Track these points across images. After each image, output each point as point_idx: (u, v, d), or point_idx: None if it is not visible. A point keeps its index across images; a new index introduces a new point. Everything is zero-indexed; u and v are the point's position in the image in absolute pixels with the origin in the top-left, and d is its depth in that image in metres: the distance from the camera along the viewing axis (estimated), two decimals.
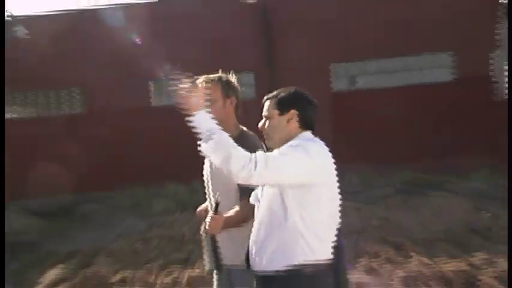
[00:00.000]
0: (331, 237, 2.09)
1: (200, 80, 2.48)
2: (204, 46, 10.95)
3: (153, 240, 6.60)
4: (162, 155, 11.06)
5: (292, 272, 1.98)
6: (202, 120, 1.97)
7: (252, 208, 2.21)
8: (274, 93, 2.20)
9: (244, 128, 2.52)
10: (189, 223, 6.73)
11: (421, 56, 11.29)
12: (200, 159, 2.68)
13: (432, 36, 10.58)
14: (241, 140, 2.43)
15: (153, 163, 10.99)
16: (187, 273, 5.08)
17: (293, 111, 2.12)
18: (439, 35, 10.52)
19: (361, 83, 11.86)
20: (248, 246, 2.17)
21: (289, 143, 2.05)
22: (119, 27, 11.44)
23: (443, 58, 11.19)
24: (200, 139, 1.97)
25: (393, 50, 11.06)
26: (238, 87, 2.53)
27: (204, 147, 1.96)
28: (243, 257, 2.19)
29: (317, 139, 2.15)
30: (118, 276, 5.28)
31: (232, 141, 1.93)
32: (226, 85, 2.48)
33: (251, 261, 2.13)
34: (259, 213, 2.12)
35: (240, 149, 1.91)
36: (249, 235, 2.16)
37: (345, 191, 2.15)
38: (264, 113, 2.19)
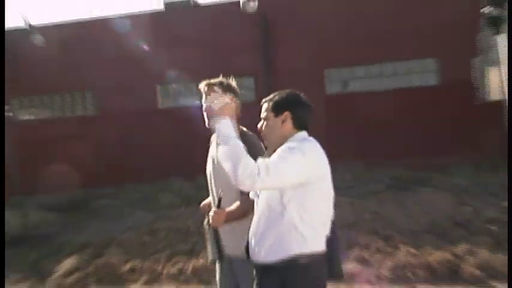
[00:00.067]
0: (325, 230, 2.08)
1: (203, 85, 2.47)
2: (208, 53, 10.96)
3: (160, 232, 6.59)
4: (168, 153, 11.06)
5: (288, 262, 1.98)
6: (225, 127, 2.00)
7: (251, 203, 2.21)
8: (271, 96, 2.20)
9: (244, 129, 2.51)
10: (193, 217, 6.72)
11: (408, 62, 11.31)
12: (203, 158, 2.67)
13: (418, 44, 10.59)
14: (241, 139, 2.42)
15: (160, 161, 11.00)
16: (192, 263, 5.09)
17: (286, 113, 2.12)
18: (424, 43, 10.53)
19: (353, 86, 11.86)
20: (248, 238, 2.16)
21: (287, 144, 2.03)
22: (128, 35, 11.45)
23: (428, 64, 11.20)
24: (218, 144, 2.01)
25: (382, 56, 11.07)
26: (238, 91, 2.52)
27: (219, 151, 1.97)
28: (244, 248, 2.18)
29: (311, 138, 2.14)
30: (128, 266, 5.29)
31: (244, 151, 1.92)
32: (226, 88, 2.46)
33: (250, 253, 2.13)
34: (258, 208, 2.11)
35: (250, 159, 1.89)
36: (249, 228, 2.16)
37: (339, 186, 2.15)
38: (262, 115, 2.20)
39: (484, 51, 10.30)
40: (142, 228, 6.99)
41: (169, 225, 6.90)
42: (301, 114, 2.15)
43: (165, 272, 5.07)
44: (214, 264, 2.62)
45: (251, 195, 2.23)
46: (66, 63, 11.72)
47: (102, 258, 5.60)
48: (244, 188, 1.94)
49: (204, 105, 2.45)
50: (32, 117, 13.49)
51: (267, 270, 2.03)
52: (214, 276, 2.64)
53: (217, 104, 2.03)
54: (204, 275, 4.75)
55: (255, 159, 1.93)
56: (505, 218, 5.64)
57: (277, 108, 2.13)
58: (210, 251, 2.51)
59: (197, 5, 12.92)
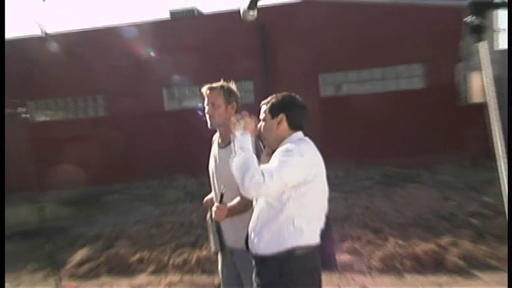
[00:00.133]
0: (320, 224, 2.09)
1: (205, 88, 2.47)
2: (210, 58, 10.95)
3: (166, 225, 6.59)
4: (173, 152, 11.06)
5: (285, 254, 1.98)
6: (243, 140, 1.99)
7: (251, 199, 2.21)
8: (268, 99, 2.20)
9: None
10: (197, 211, 6.72)
11: (396, 67, 11.30)
12: (206, 156, 2.67)
13: (406, 50, 10.59)
14: None
15: (166, 159, 11.00)
16: (195, 254, 5.08)
17: (282, 115, 2.11)
18: (411, 50, 10.53)
19: (346, 90, 11.85)
20: (247, 231, 2.16)
21: (284, 147, 2.03)
22: (136, 42, 11.44)
23: (415, 69, 11.20)
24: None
25: (372, 61, 11.06)
26: (238, 94, 2.52)
27: (234, 159, 1.97)
28: (243, 241, 2.18)
29: (306, 138, 2.14)
30: (136, 257, 5.29)
31: (254, 163, 1.91)
32: (227, 92, 2.46)
33: (250, 245, 2.13)
34: (258, 205, 2.11)
35: (257, 169, 1.88)
36: (249, 221, 2.16)
37: (332, 182, 2.15)
38: (260, 116, 2.20)
39: (467, 57, 10.31)
40: (149, 221, 7.00)
41: (175, 219, 6.91)
42: (296, 115, 2.14)
43: (170, 262, 5.06)
44: (217, 255, 2.62)
45: None
46: (78, 69, 11.70)
47: (112, 250, 5.59)
48: (250, 196, 1.95)
49: (207, 108, 2.45)
50: (47, 119, 13.48)
51: (265, 261, 2.03)
52: (217, 266, 2.64)
53: (242, 123, 2.02)
54: (207, 265, 4.75)
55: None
56: (486, 211, 5.67)
57: (274, 110, 2.13)
58: (212, 243, 2.51)
59: (200, 14, 12.92)
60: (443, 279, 4.16)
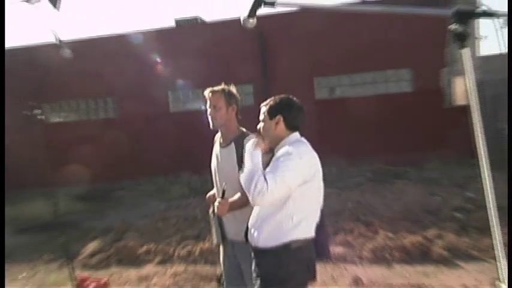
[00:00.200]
0: (315, 219, 2.09)
1: (207, 92, 2.46)
2: (212, 63, 10.93)
3: (172, 219, 6.58)
4: (178, 151, 11.05)
5: (284, 247, 1.99)
6: (254, 154, 2.00)
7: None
8: (267, 101, 2.19)
9: (244, 129, 2.51)
10: (200, 206, 6.72)
11: (386, 72, 11.30)
12: (208, 155, 2.66)
13: (395, 56, 10.60)
14: (241, 139, 2.42)
15: (171, 157, 10.99)
16: (199, 246, 5.08)
17: (279, 117, 2.11)
18: (400, 56, 10.54)
19: (339, 92, 11.85)
20: (247, 225, 2.16)
21: (284, 150, 2.01)
22: (143, 49, 11.43)
23: (403, 73, 11.20)
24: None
25: (364, 66, 11.07)
26: (238, 96, 2.51)
27: (243, 170, 1.99)
28: (244, 234, 2.18)
29: (303, 139, 2.13)
30: (144, 248, 5.29)
31: (259, 174, 1.91)
32: (228, 95, 2.45)
33: (249, 238, 2.13)
34: None
35: (261, 179, 1.88)
36: (249, 215, 2.16)
37: (326, 179, 2.15)
38: (260, 117, 2.19)
39: (451, 63, 10.32)
40: (156, 216, 6.99)
41: (180, 213, 6.90)
42: (293, 116, 2.13)
43: (175, 253, 5.07)
44: (218, 247, 2.61)
45: None
46: (90, 73, 11.68)
47: (121, 242, 5.59)
48: (256, 203, 1.94)
49: (209, 110, 2.45)
50: (61, 120, 13.47)
51: (264, 254, 2.04)
52: (219, 258, 2.63)
53: (255, 141, 2.04)
54: (209, 256, 4.75)
55: None
56: (469, 206, 5.66)
57: (272, 112, 2.13)
58: (214, 236, 2.51)
59: (203, 22, 12.90)
60: (429, 269, 4.17)
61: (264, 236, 2.03)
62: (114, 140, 11.07)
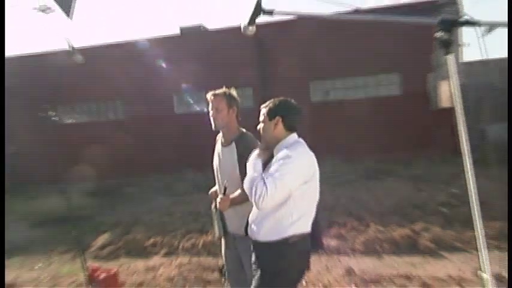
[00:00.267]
0: (312, 214, 2.08)
1: (209, 94, 2.46)
2: (214, 68, 10.93)
3: (177, 214, 6.58)
4: (183, 150, 11.04)
5: (282, 241, 1.98)
6: (256, 163, 2.02)
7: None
8: (267, 102, 2.16)
9: (244, 130, 2.50)
10: (203, 201, 6.70)
11: (377, 76, 11.31)
12: (210, 154, 2.66)
13: (385, 62, 10.60)
14: (241, 139, 2.42)
15: (176, 156, 10.98)
16: (202, 239, 5.08)
17: (278, 118, 2.08)
18: (390, 61, 10.54)
19: (333, 95, 11.85)
20: (247, 219, 2.16)
21: (283, 153, 1.98)
22: (150, 54, 11.42)
23: (393, 78, 11.20)
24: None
25: (356, 71, 11.08)
26: (238, 99, 2.50)
27: (246, 176, 2.00)
28: (244, 227, 2.17)
29: (301, 140, 2.11)
30: (150, 241, 5.29)
31: (260, 180, 1.91)
32: (229, 98, 2.44)
33: (249, 233, 2.12)
34: None
35: (261, 184, 1.88)
36: (249, 211, 2.14)
37: (321, 177, 2.14)
38: (260, 118, 2.17)
39: (437, 68, 10.32)
40: (162, 210, 6.99)
41: (184, 208, 6.90)
42: (291, 118, 2.10)
43: (180, 246, 5.06)
44: (220, 240, 2.60)
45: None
46: (100, 78, 11.67)
47: (130, 235, 5.59)
48: (258, 207, 1.92)
49: (211, 112, 2.44)
50: (73, 121, 13.46)
51: (264, 247, 2.03)
52: (220, 250, 2.63)
53: (258, 152, 2.07)
54: (212, 248, 4.74)
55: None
56: (453, 201, 5.66)
57: (271, 113, 2.10)
58: (216, 229, 2.50)
59: (206, 30, 12.90)
60: (416, 259, 4.17)
61: (264, 231, 2.02)
62: (123, 139, 11.06)
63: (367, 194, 6.78)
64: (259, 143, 2.16)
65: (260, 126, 2.16)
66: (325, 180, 2.20)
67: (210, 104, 2.44)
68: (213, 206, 2.47)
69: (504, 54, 12.03)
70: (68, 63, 11.43)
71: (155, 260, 4.78)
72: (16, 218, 7.24)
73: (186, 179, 9.95)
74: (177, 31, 12.82)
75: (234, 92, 2.49)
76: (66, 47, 11.88)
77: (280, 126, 2.09)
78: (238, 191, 2.29)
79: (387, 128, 10.33)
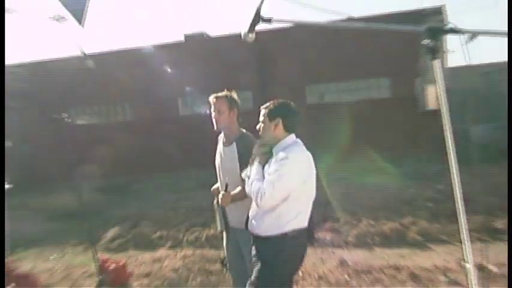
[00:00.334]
0: (309, 210, 2.08)
1: (211, 97, 2.45)
2: (217, 72, 10.91)
3: (181, 209, 6.57)
4: (187, 149, 11.03)
5: (282, 235, 1.98)
6: (258, 167, 2.02)
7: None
8: (267, 104, 2.14)
9: (244, 130, 2.50)
10: (206, 197, 6.69)
11: (368, 80, 11.33)
12: (213, 153, 2.65)
13: (376, 67, 10.62)
14: (241, 139, 2.41)
15: (181, 155, 10.97)
16: (205, 233, 5.07)
17: (278, 119, 2.06)
18: (380, 66, 10.56)
19: (327, 98, 11.86)
20: (248, 214, 2.15)
21: (282, 154, 1.97)
22: (156, 60, 11.41)
23: (383, 82, 11.22)
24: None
25: (349, 75, 11.10)
26: (239, 102, 2.49)
27: (249, 179, 2.02)
28: (244, 222, 2.17)
29: (298, 141, 2.10)
30: (157, 234, 5.28)
31: (259, 183, 1.92)
32: (230, 100, 2.43)
33: (250, 227, 2.12)
34: None
35: (260, 186, 1.89)
36: (249, 206, 2.13)
37: (316, 174, 2.14)
38: (260, 118, 2.15)
39: (424, 73, 10.34)
40: (167, 206, 6.97)
41: (188, 204, 6.89)
42: (291, 120, 2.08)
43: (185, 239, 5.06)
44: (222, 233, 2.60)
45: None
46: (110, 82, 11.66)
47: (137, 229, 5.59)
48: (259, 206, 1.93)
49: (213, 113, 2.43)
50: (85, 123, 13.44)
51: (264, 241, 2.03)
52: (222, 243, 2.63)
53: (258, 158, 2.07)
54: (214, 241, 4.73)
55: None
56: (440, 197, 5.67)
57: (271, 114, 2.08)
58: (218, 224, 2.49)
59: (208, 37, 12.89)
60: (405, 251, 4.18)
61: (264, 226, 2.02)
62: (130, 140, 11.06)
63: (360, 190, 6.76)
64: (257, 145, 2.14)
65: (260, 126, 2.14)
66: (319, 178, 2.19)
67: (212, 106, 2.44)
68: (215, 201, 2.47)
69: (486, 60, 12.10)
70: (80, 69, 11.46)
71: (161, 252, 4.78)
72: (32, 213, 7.23)
73: (190, 177, 9.93)
74: (182, 38, 12.82)
75: (234, 95, 2.48)
76: (78, 54, 11.95)
77: (280, 127, 2.07)
78: (239, 188, 2.29)
79: (378, 128, 10.34)
